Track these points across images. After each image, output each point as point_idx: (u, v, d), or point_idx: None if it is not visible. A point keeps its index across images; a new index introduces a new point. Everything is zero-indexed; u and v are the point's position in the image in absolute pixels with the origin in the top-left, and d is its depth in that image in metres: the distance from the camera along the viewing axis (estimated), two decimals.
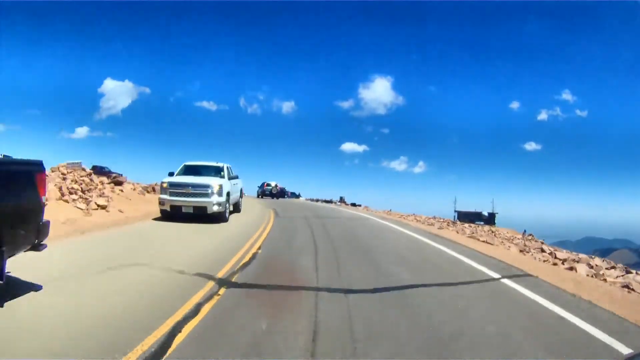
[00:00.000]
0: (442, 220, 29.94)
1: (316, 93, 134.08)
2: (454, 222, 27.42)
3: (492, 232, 27.33)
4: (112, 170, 30.94)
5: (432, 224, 21.18)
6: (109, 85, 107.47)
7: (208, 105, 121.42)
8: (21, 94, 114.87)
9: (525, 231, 40.24)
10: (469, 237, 9.03)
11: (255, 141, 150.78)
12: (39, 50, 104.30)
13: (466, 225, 27.99)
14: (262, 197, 32.36)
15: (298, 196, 46.31)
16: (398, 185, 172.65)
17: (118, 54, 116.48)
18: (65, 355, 2.47)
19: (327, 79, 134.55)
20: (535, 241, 26.52)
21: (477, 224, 38.30)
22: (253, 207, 16.54)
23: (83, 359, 2.43)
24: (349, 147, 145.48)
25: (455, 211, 46.88)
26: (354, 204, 39.46)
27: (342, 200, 43.86)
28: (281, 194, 40.45)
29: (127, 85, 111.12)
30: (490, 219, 46.01)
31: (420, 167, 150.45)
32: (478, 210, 47.43)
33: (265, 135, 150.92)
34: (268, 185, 34.33)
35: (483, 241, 8.47)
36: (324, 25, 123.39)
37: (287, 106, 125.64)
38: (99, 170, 29.72)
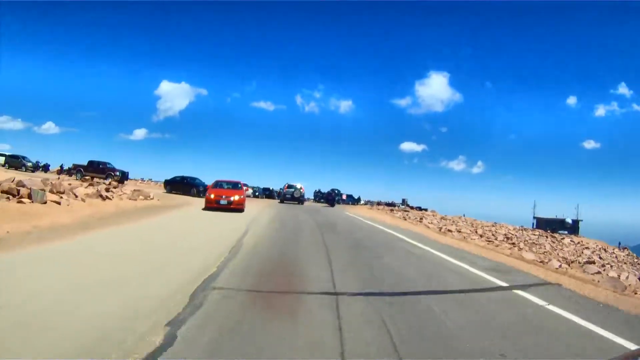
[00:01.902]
0: (531, 230, 26.69)
1: (373, 90, 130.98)
2: (551, 235, 24.16)
3: (600, 250, 23.69)
4: (116, 166, 26.41)
5: (538, 243, 18.58)
6: (166, 87, 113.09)
7: (265, 105, 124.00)
8: (78, 97, 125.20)
9: (620, 244, 35.11)
10: None
11: (313, 141, 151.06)
12: (95, 53, 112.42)
13: (565, 239, 24.52)
14: (283, 203, 25.72)
15: (357, 200, 42.27)
16: (458, 186, 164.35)
17: (174, 55, 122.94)
18: None
19: (382, 76, 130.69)
20: None
21: (560, 234, 34.14)
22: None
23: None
24: (407, 146, 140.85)
25: (534, 217, 42.35)
26: (419, 208, 37.21)
27: (404, 203, 41.60)
28: (329, 198, 31.91)
29: (184, 87, 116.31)
30: (574, 228, 41.12)
31: (479, 167, 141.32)
32: (559, 216, 42.53)
33: (324, 135, 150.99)
34: (289, 187, 26.62)
35: None
36: (378, 21, 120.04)
37: (345, 105, 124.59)
38: (95, 167, 25.47)
